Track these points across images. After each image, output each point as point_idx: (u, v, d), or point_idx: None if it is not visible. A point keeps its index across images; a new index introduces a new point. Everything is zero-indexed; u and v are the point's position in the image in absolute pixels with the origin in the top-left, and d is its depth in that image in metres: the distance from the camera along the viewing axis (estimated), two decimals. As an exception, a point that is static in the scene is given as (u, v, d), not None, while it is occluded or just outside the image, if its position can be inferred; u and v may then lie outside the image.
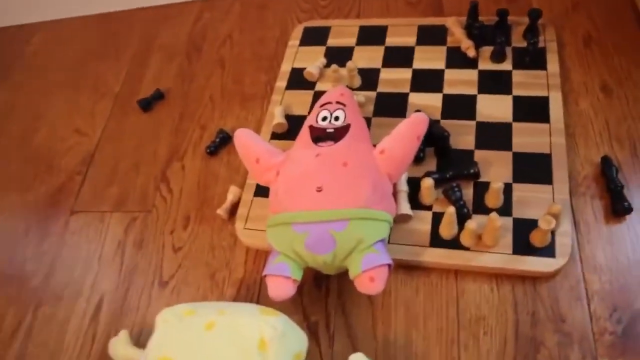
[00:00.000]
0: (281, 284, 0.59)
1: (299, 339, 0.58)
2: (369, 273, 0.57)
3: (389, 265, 0.58)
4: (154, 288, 0.72)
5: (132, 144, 0.88)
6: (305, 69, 0.83)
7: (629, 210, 0.65)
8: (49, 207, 0.84)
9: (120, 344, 0.64)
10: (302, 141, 0.67)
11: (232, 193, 0.75)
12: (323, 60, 0.84)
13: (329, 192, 0.60)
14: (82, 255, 0.77)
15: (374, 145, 0.64)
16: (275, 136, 0.78)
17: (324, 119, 0.68)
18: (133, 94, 0.94)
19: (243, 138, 0.68)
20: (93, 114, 0.94)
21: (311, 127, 0.67)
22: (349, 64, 0.78)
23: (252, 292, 0.69)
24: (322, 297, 0.66)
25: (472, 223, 0.61)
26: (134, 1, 1.09)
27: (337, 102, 0.69)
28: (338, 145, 0.64)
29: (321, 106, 0.69)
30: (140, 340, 0.68)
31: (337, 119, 0.67)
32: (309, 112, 0.79)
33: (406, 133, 0.63)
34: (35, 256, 0.79)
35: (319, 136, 0.66)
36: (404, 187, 0.68)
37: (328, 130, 0.66)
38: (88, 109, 0.95)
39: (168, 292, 0.71)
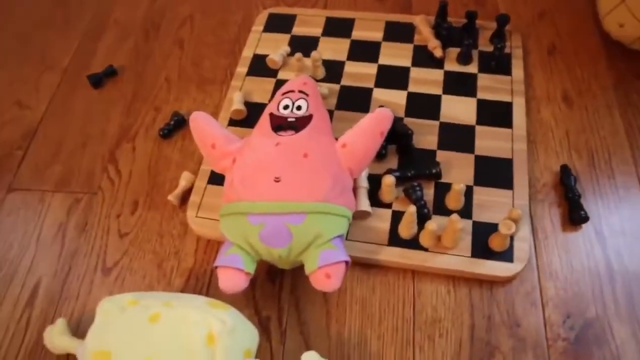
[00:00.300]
0: (233, 276, 0.56)
1: (249, 335, 0.55)
2: (325, 269, 0.55)
3: (347, 263, 0.56)
4: (97, 274, 0.67)
5: (79, 122, 0.82)
6: (268, 55, 0.80)
7: (585, 219, 0.65)
8: (-17, 183, 0.78)
9: (56, 333, 0.59)
10: (261, 129, 0.64)
11: (184, 179, 0.71)
12: (287, 49, 0.82)
13: (287, 183, 0.57)
14: (18, 236, 0.72)
15: (336, 139, 0.62)
16: (233, 123, 0.75)
17: (286, 107, 0.65)
18: (83, 69, 0.89)
19: (199, 121, 0.64)
20: (37, 86, 0.88)
21: (272, 115, 0.64)
22: (314, 53, 0.76)
23: (202, 283, 0.65)
24: (275, 291, 0.64)
25: (433, 224, 0.60)
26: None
27: (300, 91, 0.66)
28: (299, 135, 0.61)
29: (283, 94, 0.67)
30: (79, 329, 0.63)
31: (299, 108, 0.65)
32: (270, 100, 0.76)
33: (369, 128, 0.61)
34: (-36, 236, 0.73)
35: (280, 125, 0.63)
36: (364, 184, 0.66)
37: (289, 119, 0.63)
38: (32, 82, 0.89)
39: (111, 280, 0.67)
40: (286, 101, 0.65)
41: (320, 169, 0.58)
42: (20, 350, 0.63)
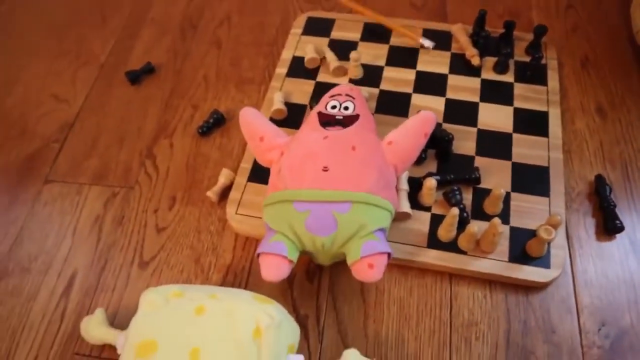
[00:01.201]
0: (276, 263, 0.57)
1: (293, 330, 0.56)
2: (368, 259, 0.56)
3: (389, 254, 0.57)
4: (133, 268, 0.68)
5: (116, 117, 0.83)
6: (305, 58, 0.82)
7: (620, 229, 0.66)
8: (21, 174, 0.78)
9: (95, 323, 0.60)
10: (310, 125, 0.66)
11: (224, 176, 0.72)
12: (324, 51, 0.83)
13: (334, 173, 0.58)
14: (54, 227, 0.72)
15: (381, 139, 0.64)
16: (273, 122, 0.76)
17: (333, 107, 0.66)
18: (120, 65, 0.90)
19: (249, 116, 0.66)
20: (74, 81, 0.89)
21: (320, 114, 0.66)
22: (353, 53, 0.78)
23: (240, 279, 0.66)
24: (313, 290, 0.65)
25: (474, 227, 0.61)
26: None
27: (347, 95, 0.68)
28: (347, 130, 0.63)
29: (331, 97, 0.69)
30: (115, 321, 0.64)
31: (346, 108, 0.66)
32: (309, 101, 0.78)
33: (414, 128, 0.63)
34: (1, 224, 0.73)
35: (328, 121, 0.65)
36: (404, 186, 0.67)
37: (337, 117, 0.65)
38: (68, 76, 0.90)
39: (148, 274, 0.67)
40: (334, 102, 0.67)
41: (367, 162, 0.60)
42: (56, 339, 0.63)
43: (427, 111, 0.64)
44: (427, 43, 0.83)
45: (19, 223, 0.73)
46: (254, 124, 0.66)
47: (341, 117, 0.65)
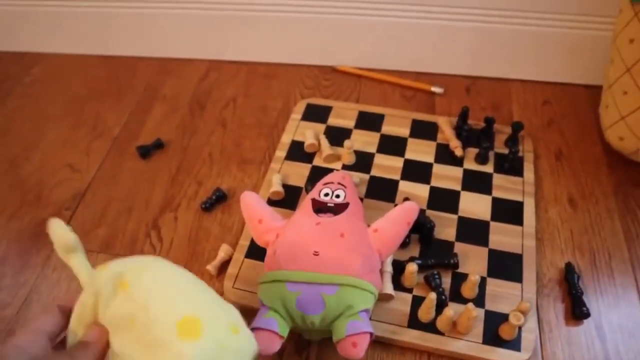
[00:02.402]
0: (268, 338, 0.62)
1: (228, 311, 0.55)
2: (352, 338, 0.61)
3: (371, 334, 0.62)
4: (135, 335, 0.73)
5: (125, 188, 0.90)
6: (304, 142, 0.89)
7: (587, 315, 0.72)
8: (32, 238, 0.84)
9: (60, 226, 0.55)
10: (304, 210, 0.72)
11: (223, 251, 0.78)
12: (320, 138, 0.90)
13: (324, 257, 0.65)
14: (61, 291, 0.78)
15: (368, 225, 0.70)
16: (270, 202, 0.83)
17: (326, 194, 0.73)
18: (132, 139, 0.97)
19: (249, 199, 0.73)
20: (88, 152, 0.96)
21: (313, 200, 0.73)
22: (347, 142, 0.85)
23: (234, 350, 0.71)
24: (301, 364, 0.69)
25: (450, 310, 0.67)
26: (140, 49, 1.13)
27: (339, 184, 0.75)
28: (337, 217, 0.70)
29: (324, 184, 0.76)
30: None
31: (337, 196, 0.73)
32: (305, 184, 0.84)
33: (398, 217, 0.70)
34: (11, 286, 0.79)
35: (321, 208, 0.71)
36: (388, 268, 0.73)
37: (329, 204, 0.72)
38: (83, 147, 0.97)
39: (148, 340, 0.72)
40: (326, 190, 0.74)
41: (354, 248, 0.66)
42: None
43: (411, 202, 0.71)
44: (437, 89, 0.96)
45: (28, 286, 0.78)
46: (254, 207, 0.72)
47: (332, 205, 0.72)
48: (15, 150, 0.97)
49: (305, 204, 0.73)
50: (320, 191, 0.74)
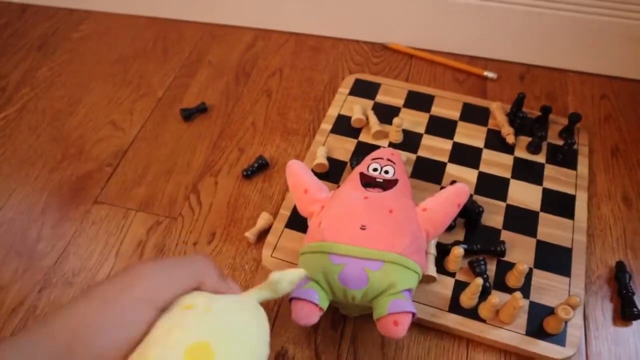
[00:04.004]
0: (307, 309, 0.60)
1: None
2: (394, 317, 0.59)
3: (414, 314, 0.60)
4: (169, 295, 0.72)
5: (167, 150, 0.89)
6: (351, 117, 0.87)
7: (637, 316, 0.69)
8: (73, 192, 0.84)
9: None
10: (351, 184, 0.70)
11: (263, 219, 0.77)
12: (368, 113, 0.88)
13: (371, 232, 0.62)
14: (99, 246, 0.77)
15: (416, 204, 0.68)
16: (314, 174, 0.81)
17: (375, 169, 0.71)
18: (175, 101, 0.96)
19: (296, 167, 0.71)
20: (132, 111, 0.96)
21: (362, 174, 0.71)
22: (396, 119, 0.83)
23: (269, 317, 0.69)
24: (336, 339, 0.68)
25: (495, 298, 0.65)
26: (188, 13, 1.12)
27: (388, 159, 0.72)
28: (386, 193, 0.68)
29: (373, 159, 0.73)
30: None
31: (386, 172, 0.71)
32: (350, 159, 0.82)
33: (449, 198, 0.67)
34: (50, 237, 0.78)
35: (369, 182, 0.69)
36: (432, 251, 0.71)
37: (378, 180, 0.70)
38: (127, 106, 0.96)
39: (182, 302, 0.71)
40: (375, 165, 0.72)
41: (402, 226, 0.64)
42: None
43: (462, 184, 0.68)
44: (491, 75, 0.95)
45: (67, 238, 0.78)
46: (300, 176, 0.70)
47: (381, 180, 0.70)
48: (59, 105, 0.97)
49: (353, 177, 0.71)
50: (368, 166, 0.72)
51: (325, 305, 0.62)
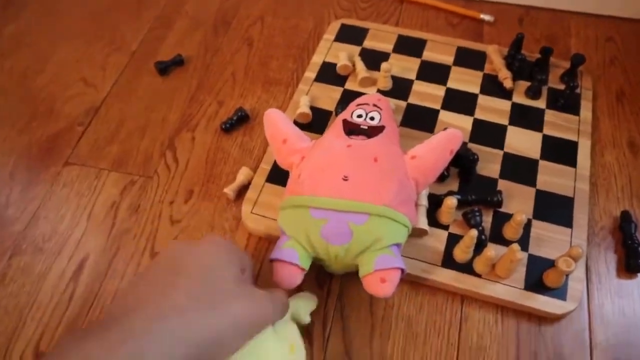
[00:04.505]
0: (288, 270, 0.56)
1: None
2: (380, 273, 0.55)
3: (402, 270, 0.56)
4: (144, 257, 0.68)
5: (141, 105, 0.83)
6: (336, 64, 0.81)
7: (642, 268, 0.64)
8: (42, 153, 0.78)
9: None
10: (334, 131, 0.65)
11: (242, 174, 0.72)
12: (355, 60, 0.82)
13: (354, 183, 0.57)
14: (70, 209, 0.72)
15: (405, 152, 0.63)
16: (297, 125, 0.75)
17: (359, 116, 0.65)
18: (150, 55, 0.90)
19: (274, 116, 0.66)
20: (104, 66, 0.89)
21: (345, 121, 0.65)
22: (384, 64, 0.77)
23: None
24: (322, 297, 0.63)
25: (491, 251, 0.60)
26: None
27: (374, 105, 0.67)
28: (371, 140, 0.62)
29: (357, 105, 0.68)
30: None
31: (372, 119, 0.65)
32: (335, 108, 0.77)
33: (440, 144, 0.62)
34: (18, 201, 0.74)
35: (352, 130, 0.64)
36: (423, 202, 0.66)
37: (362, 127, 0.64)
38: (99, 61, 0.90)
39: (158, 264, 0.67)
40: (360, 111, 0.66)
41: (388, 175, 0.59)
42: (62, 320, 0.63)
43: (454, 129, 0.63)
44: (487, 17, 0.91)
45: (37, 202, 0.73)
46: (279, 125, 0.65)
47: (366, 127, 0.64)
48: (27, 63, 0.91)
49: (335, 125, 0.66)
50: (352, 112, 0.66)
51: (307, 264, 0.57)
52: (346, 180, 0.57)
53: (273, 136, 0.65)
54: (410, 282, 0.64)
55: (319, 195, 0.57)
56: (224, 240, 0.51)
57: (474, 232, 0.60)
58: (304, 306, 0.59)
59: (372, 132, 0.63)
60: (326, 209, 0.56)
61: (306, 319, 0.58)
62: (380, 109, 0.67)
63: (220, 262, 0.48)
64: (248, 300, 0.47)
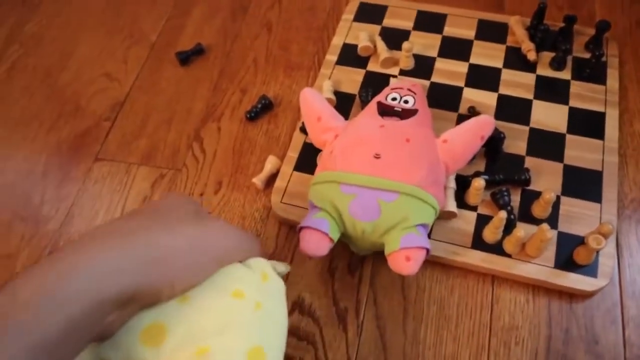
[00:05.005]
0: (317, 238, 0.57)
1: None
2: (406, 251, 0.56)
3: (427, 251, 0.57)
4: (179, 250, 0.70)
5: (165, 98, 0.84)
6: (357, 45, 0.81)
7: (675, 239, 0.64)
8: (72, 151, 0.80)
9: None
10: (367, 112, 0.66)
11: (270, 163, 0.73)
12: (375, 40, 0.81)
13: (386, 161, 0.58)
14: (104, 204, 0.74)
15: (437, 136, 0.63)
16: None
17: (394, 99, 0.67)
18: (170, 45, 0.90)
19: (309, 95, 0.68)
20: (125, 60, 0.90)
21: (379, 103, 0.67)
22: (406, 44, 0.76)
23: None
24: (354, 284, 0.65)
25: (521, 231, 0.60)
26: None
27: (409, 89, 0.68)
28: (404, 122, 0.64)
29: (392, 89, 0.69)
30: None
31: (406, 102, 0.66)
32: (359, 91, 0.77)
33: (472, 130, 0.63)
34: (53, 199, 0.76)
35: (386, 111, 0.65)
36: (451, 184, 0.66)
37: (396, 108, 0.65)
38: (120, 54, 0.91)
39: (193, 256, 0.69)
40: (394, 94, 0.67)
41: (419, 156, 0.60)
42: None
43: (487, 115, 0.64)
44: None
45: (70, 200, 0.75)
46: (313, 103, 0.67)
47: (400, 110, 0.65)
48: (50, 60, 0.92)
49: (370, 106, 0.67)
50: (387, 95, 0.67)
51: (335, 236, 0.58)
52: (378, 158, 0.59)
53: (308, 114, 0.67)
54: (441, 264, 0.65)
55: (350, 171, 0.59)
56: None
57: (503, 214, 0.60)
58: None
59: (406, 114, 0.64)
60: (356, 185, 0.58)
61: (280, 268, 0.54)
62: (415, 94, 0.67)
63: (178, 202, 0.50)
64: (204, 227, 0.47)
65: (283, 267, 0.53)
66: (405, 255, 0.56)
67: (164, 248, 0.42)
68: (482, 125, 0.63)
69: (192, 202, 0.51)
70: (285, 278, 0.65)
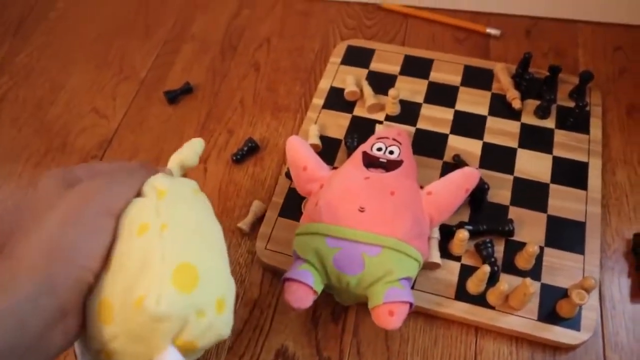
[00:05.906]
0: (301, 291, 0.57)
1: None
2: (389, 306, 0.56)
3: (411, 305, 0.57)
4: (162, 294, 0.69)
5: (153, 136, 0.84)
6: (344, 89, 0.81)
7: (656, 293, 0.65)
8: (58, 188, 0.80)
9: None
10: (352, 163, 0.67)
11: (256, 207, 0.73)
12: (362, 84, 0.82)
13: (370, 214, 0.59)
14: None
15: (422, 187, 0.64)
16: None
17: (379, 149, 0.67)
18: (159, 82, 0.91)
19: (295, 143, 0.68)
20: (114, 95, 0.90)
21: (364, 153, 0.67)
22: (392, 91, 0.77)
23: (266, 315, 0.66)
24: (337, 333, 0.65)
25: (505, 284, 0.60)
26: (169, -18, 1.05)
27: (394, 139, 0.68)
28: (389, 174, 0.64)
29: (378, 138, 0.69)
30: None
31: (391, 152, 0.67)
32: (345, 137, 0.77)
33: (456, 182, 0.63)
34: (37, 237, 0.75)
35: (372, 162, 0.65)
36: (435, 234, 0.66)
37: (381, 160, 0.66)
38: (109, 90, 0.91)
39: (176, 301, 0.68)
40: (379, 144, 0.67)
41: (404, 209, 0.60)
42: None
43: (472, 168, 0.64)
44: (494, 31, 0.90)
45: (54, 239, 0.75)
46: (299, 152, 0.67)
47: (385, 161, 0.65)
48: (40, 92, 0.92)
49: (355, 156, 0.68)
50: (372, 145, 0.68)
51: (319, 288, 0.58)
52: (362, 211, 0.59)
53: (293, 162, 0.68)
54: (424, 315, 0.65)
55: (334, 223, 0.59)
56: None
57: (486, 268, 0.61)
58: (191, 151, 0.61)
59: (391, 165, 0.65)
60: (341, 238, 0.58)
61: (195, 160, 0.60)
62: (400, 143, 0.68)
63: (47, 188, 0.45)
64: (77, 198, 0.44)
65: (189, 158, 0.61)
66: (388, 310, 0.56)
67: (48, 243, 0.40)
68: (468, 178, 0.63)
69: (60, 177, 0.46)
70: (269, 325, 0.65)
